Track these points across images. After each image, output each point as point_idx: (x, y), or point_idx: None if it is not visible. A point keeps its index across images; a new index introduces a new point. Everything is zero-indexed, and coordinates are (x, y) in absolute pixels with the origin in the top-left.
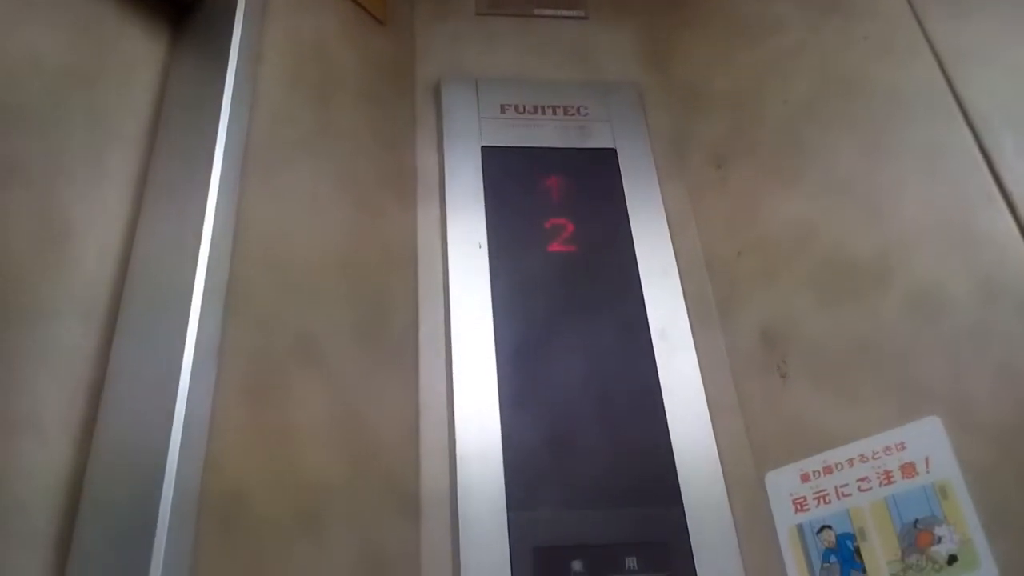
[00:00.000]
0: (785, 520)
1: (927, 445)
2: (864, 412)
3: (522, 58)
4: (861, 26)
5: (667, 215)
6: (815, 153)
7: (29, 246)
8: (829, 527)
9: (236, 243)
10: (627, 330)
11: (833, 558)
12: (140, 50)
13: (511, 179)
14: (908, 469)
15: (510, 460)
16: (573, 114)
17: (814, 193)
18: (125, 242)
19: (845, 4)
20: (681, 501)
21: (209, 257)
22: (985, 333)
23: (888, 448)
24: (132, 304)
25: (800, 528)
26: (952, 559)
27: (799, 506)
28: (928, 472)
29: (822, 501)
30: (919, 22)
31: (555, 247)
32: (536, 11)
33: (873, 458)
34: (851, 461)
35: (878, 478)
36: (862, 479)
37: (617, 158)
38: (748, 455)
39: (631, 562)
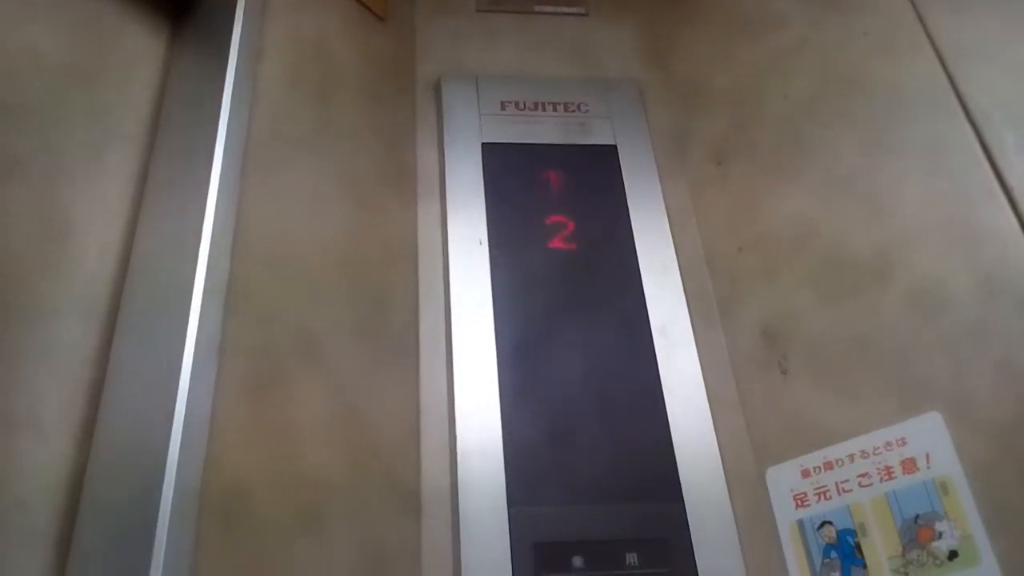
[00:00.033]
0: (786, 516)
1: (928, 441)
2: (865, 408)
3: (522, 55)
4: (862, 22)
5: (668, 212)
6: (816, 150)
7: (29, 244)
8: (830, 523)
9: (236, 241)
10: (627, 327)
11: (834, 554)
12: (140, 48)
13: (511, 176)
14: (909, 465)
15: (511, 456)
16: (573, 111)
17: (815, 189)
18: (125, 240)
19: (846, 0)
20: (682, 497)
21: (209, 255)
22: (986, 329)
23: (889, 444)
24: (132, 302)
25: (801, 524)
26: (953, 554)
27: (800, 502)
28: (929, 468)
29: (823, 497)
30: (920, 18)
31: (555, 244)
32: (536, 8)
33: (874, 454)
34: (852, 457)
35: (879, 474)
36: (863, 475)
37: (618, 155)
38: (749, 451)
39: (632, 558)
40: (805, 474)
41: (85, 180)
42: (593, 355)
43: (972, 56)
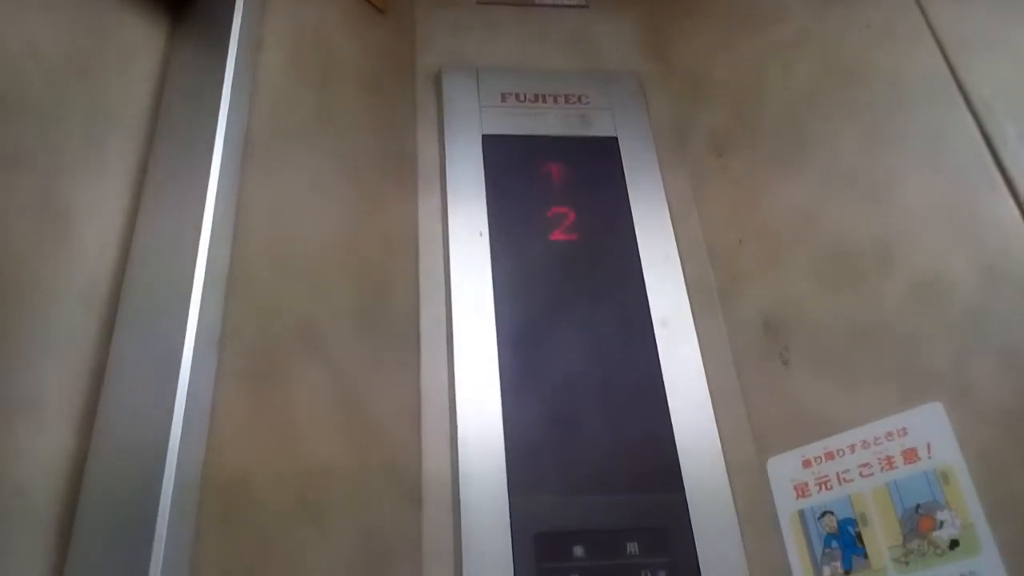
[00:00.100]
0: (786, 506)
1: (929, 431)
2: (866, 398)
3: (523, 47)
4: (863, 13)
5: (668, 203)
6: (817, 141)
7: (30, 234)
8: (831, 512)
9: (237, 231)
10: (628, 318)
11: (835, 543)
12: (140, 39)
13: (512, 167)
14: (910, 454)
15: (512, 446)
16: (574, 103)
17: (816, 180)
18: (126, 231)
19: None
20: (683, 487)
21: (210, 245)
22: (987, 320)
23: (890, 434)
24: (133, 293)
25: (801, 514)
26: (954, 544)
27: (800, 492)
28: (930, 457)
29: (824, 487)
30: (921, 9)
31: (556, 235)
32: (537, 0)
33: (875, 444)
34: (853, 447)
35: (880, 464)
36: (864, 465)
37: (618, 146)
38: (750, 441)
39: (632, 547)
40: (806, 464)
41: (85, 172)
42: (594, 346)
43: (974, 47)
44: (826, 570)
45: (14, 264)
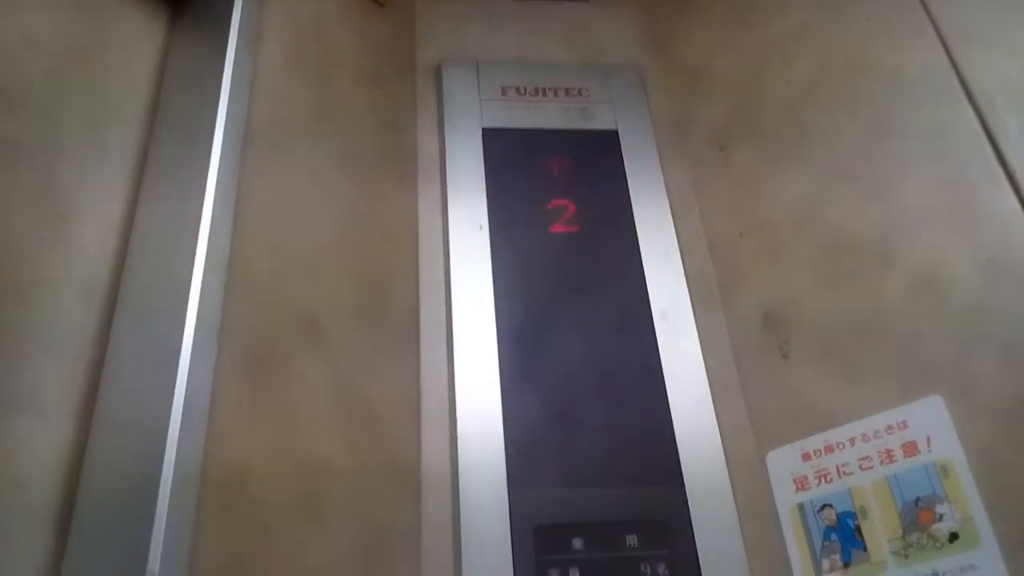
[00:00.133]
0: (786, 499)
1: (929, 424)
2: (866, 392)
3: (523, 40)
4: (864, 7)
5: (669, 197)
6: (817, 134)
7: (29, 225)
8: (830, 506)
9: (236, 222)
10: (629, 311)
11: (834, 536)
12: (139, 29)
13: (512, 161)
14: (910, 448)
15: (511, 439)
16: (574, 96)
17: (816, 174)
18: (126, 221)
19: None
20: (682, 480)
21: (209, 236)
22: (988, 313)
23: (890, 427)
24: (132, 283)
25: (801, 507)
26: (953, 537)
27: (800, 485)
28: (930, 451)
29: (823, 480)
30: (923, 3)
31: (557, 228)
32: None
33: (875, 437)
34: (852, 440)
35: (879, 457)
36: (864, 458)
37: (619, 140)
38: (749, 435)
39: (631, 540)
40: (806, 457)
41: (85, 162)
42: (594, 339)
43: (975, 41)
44: (825, 563)
45: (14, 256)
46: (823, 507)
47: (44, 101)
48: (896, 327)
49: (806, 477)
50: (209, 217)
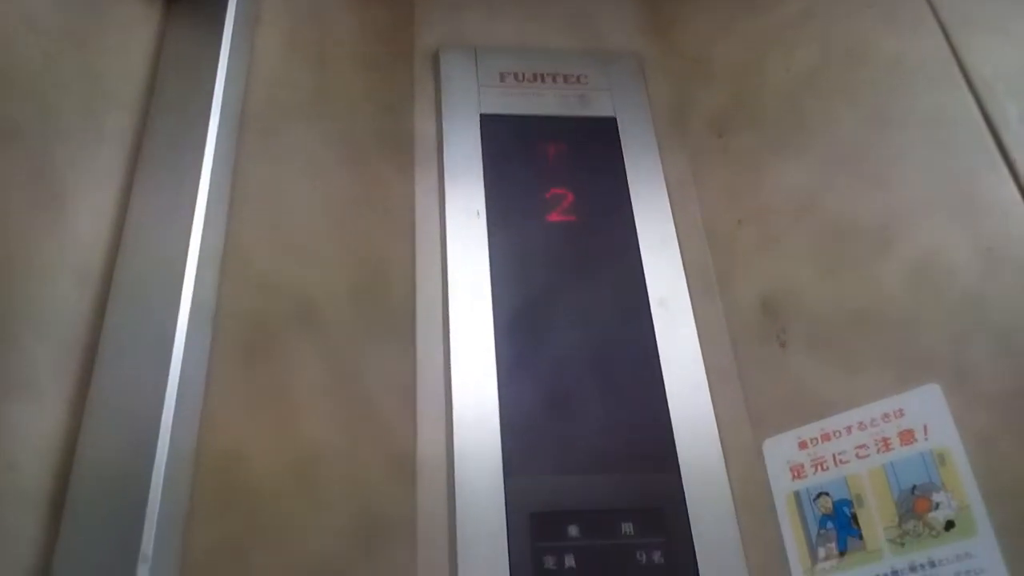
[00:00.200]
0: (782, 487)
1: (926, 412)
2: (863, 380)
3: (522, 26)
4: None
5: (667, 184)
6: (817, 122)
7: (24, 209)
8: (826, 494)
9: (232, 207)
10: (626, 299)
11: (830, 524)
12: (136, 12)
13: (510, 148)
14: (906, 436)
15: (507, 426)
16: (573, 83)
17: (816, 162)
18: (120, 205)
19: None
20: (678, 468)
21: (205, 221)
22: (986, 301)
23: (887, 415)
24: (127, 267)
25: (797, 495)
26: (950, 525)
27: (796, 473)
28: (927, 439)
29: (819, 468)
30: None
31: (554, 216)
32: None
33: (871, 425)
34: (849, 428)
35: (876, 445)
36: (860, 446)
37: (617, 127)
38: (746, 423)
39: (627, 527)
40: (802, 446)
41: (80, 145)
42: (591, 327)
43: (976, 28)
44: (821, 551)
45: (7, 240)
46: (819, 495)
47: (40, 84)
48: (894, 316)
49: (802, 465)
50: (204, 202)
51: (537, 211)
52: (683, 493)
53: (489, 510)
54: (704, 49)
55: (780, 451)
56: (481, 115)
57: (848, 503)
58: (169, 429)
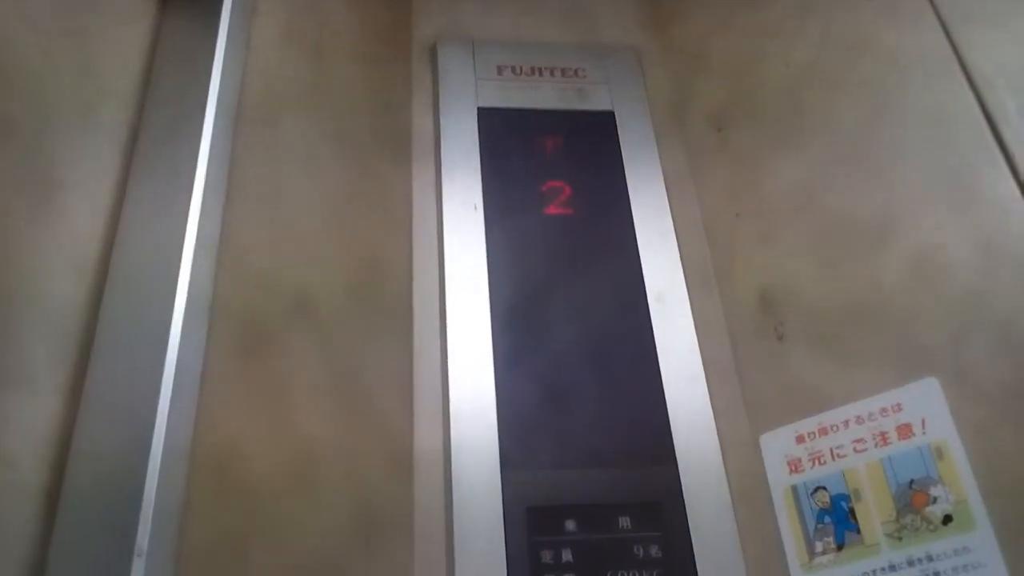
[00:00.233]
0: (780, 481)
1: (924, 406)
2: (861, 374)
3: (519, 19)
4: None
5: (665, 179)
6: (816, 117)
7: (19, 201)
8: (824, 488)
9: (228, 200)
10: (624, 293)
11: (827, 518)
12: (131, 5)
13: (507, 141)
14: (904, 430)
15: (504, 420)
16: (571, 76)
17: (815, 156)
18: (116, 198)
19: None
20: (676, 462)
21: (201, 214)
22: (985, 296)
23: (884, 409)
24: (123, 260)
25: (794, 489)
26: (947, 519)
27: (794, 467)
28: (924, 433)
29: (817, 462)
30: None
31: (552, 210)
32: None
33: (869, 419)
34: (847, 423)
35: (874, 439)
36: (858, 440)
37: (615, 121)
38: (743, 417)
39: (625, 521)
40: (800, 440)
41: (76, 138)
42: (588, 320)
43: (975, 22)
44: (819, 545)
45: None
46: (817, 489)
47: (35, 76)
48: (893, 310)
49: (800, 459)
50: (200, 195)
51: (534, 205)
52: (680, 487)
53: (486, 504)
54: (703, 43)
55: (777, 445)
56: (478, 108)
57: (846, 497)
58: (165, 423)
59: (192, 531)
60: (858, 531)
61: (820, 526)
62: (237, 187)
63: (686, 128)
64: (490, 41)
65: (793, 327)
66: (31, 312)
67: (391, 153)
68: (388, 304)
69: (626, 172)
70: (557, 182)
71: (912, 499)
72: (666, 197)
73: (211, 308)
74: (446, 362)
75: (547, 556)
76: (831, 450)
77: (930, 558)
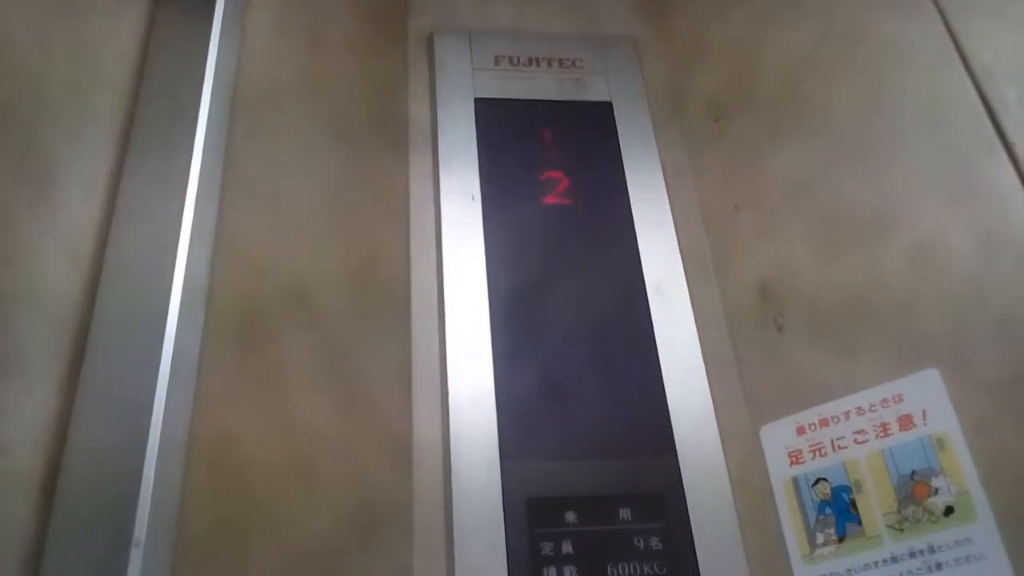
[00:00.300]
0: (780, 473)
1: (925, 397)
2: (861, 365)
3: (517, 9)
4: None
5: (663, 169)
6: (815, 106)
7: (13, 187)
8: (824, 479)
9: (224, 189)
10: (622, 284)
11: (828, 510)
12: None
13: (505, 131)
14: (905, 421)
15: (503, 411)
16: (568, 67)
17: (813, 146)
18: (112, 186)
19: None
20: (676, 453)
21: (196, 202)
22: (985, 286)
23: (885, 400)
24: (119, 248)
25: (795, 481)
26: (949, 510)
27: (794, 459)
28: (925, 424)
29: (818, 454)
30: None
31: (550, 200)
32: None
33: (870, 410)
34: (847, 414)
35: (875, 430)
36: (858, 431)
37: (613, 111)
38: (743, 408)
39: (625, 513)
40: (800, 431)
41: (70, 126)
42: (587, 312)
43: (974, 11)
44: (820, 537)
45: None
46: (817, 481)
47: (29, 64)
48: (893, 300)
49: (800, 451)
50: (196, 184)
51: (532, 195)
52: (681, 479)
53: (486, 496)
54: (700, 32)
55: (778, 437)
56: (476, 99)
57: (847, 489)
58: (162, 413)
59: (189, 521)
60: (859, 523)
61: (821, 518)
62: (233, 176)
63: (684, 118)
64: (487, 31)
65: (793, 318)
66: (26, 301)
67: (388, 143)
68: (386, 294)
69: (624, 162)
70: (555, 172)
71: (913, 490)
72: (664, 187)
73: (207, 298)
74: (445, 352)
75: (547, 548)
76: (832, 441)
77: (932, 549)
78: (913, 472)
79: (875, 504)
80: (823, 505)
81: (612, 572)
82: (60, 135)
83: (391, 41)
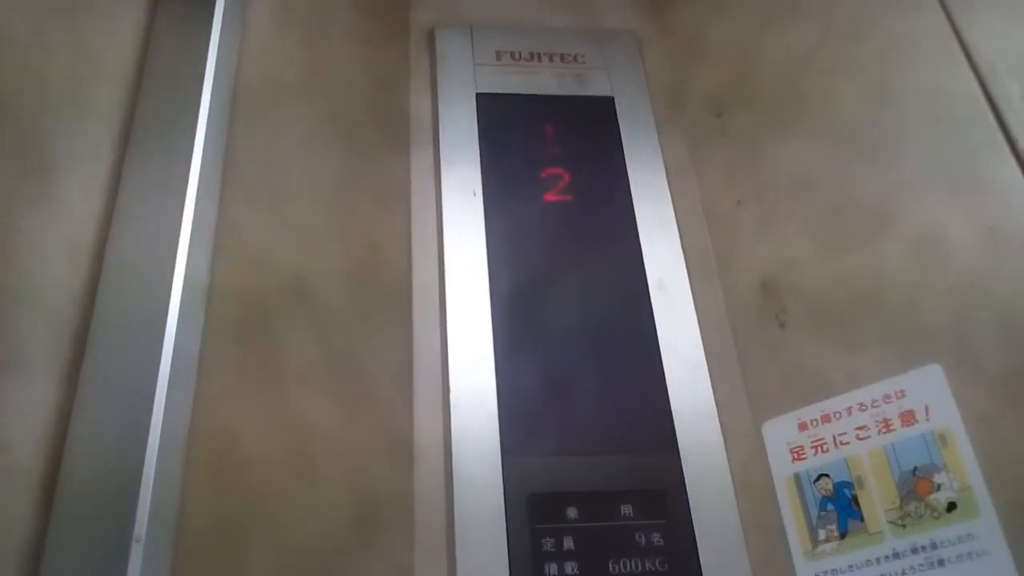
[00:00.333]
0: (782, 469)
1: (927, 393)
2: (863, 361)
3: (519, 4)
4: None
5: (665, 164)
6: (817, 100)
7: (12, 182)
8: (827, 476)
9: (225, 183)
10: (624, 280)
11: (830, 506)
12: None
13: (506, 127)
14: (907, 417)
15: (505, 407)
16: (570, 62)
17: (816, 140)
18: (112, 181)
19: None
20: (678, 450)
21: (197, 197)
22: (988, 281)
23: (887, 396)
24: (119, 243)
25: (797, 477)
26: (951, 506)
27: (796, 455)
28: (928, 420)
29: (820, 450)
30: None
31: (551, 196)
32: None
33: (872, 406)
34: (850, 410)
35: (877, 426)
36: (861, 427)
37: (615, 106)
38: (745, 404)
39: (626, 509)
40: (802, 427)
41: (70, 120)
42: (589, 308)
43: (977, 5)
44: (822, 533)
45: None
46: (819, 477)
47: (29, 56)
48: (895, 295)
49: (802, 447)
50: (197, 179)
51: (534, 191)
52: (682, 475)
53: (487, 492)
54: (701, 27)
55: (780, 433)
56: (477, 94)
57: (849, 485)
58: (162, 410)
59: (190, 519)
60: (861, 519)
61: (823, 514)
62: (234, 171)
63: (686, 113)
64: (488, 26)
65: (795, 313)
66: (27, 298)
67: (389, 138)
68: (387, 290)
69: (626, 158)
70: (556, 169)
71: (916, 486)
72: (666, 183)
73: (208, 295)
74: (446, 348)
75: (549, 544)
76: (834, 437)
77: (934, 545)
78: (915, 468)
79: (877, 500)
80: (825, 501)
81: (613, 568)
82: (60, 132)
83: (392, 36)
